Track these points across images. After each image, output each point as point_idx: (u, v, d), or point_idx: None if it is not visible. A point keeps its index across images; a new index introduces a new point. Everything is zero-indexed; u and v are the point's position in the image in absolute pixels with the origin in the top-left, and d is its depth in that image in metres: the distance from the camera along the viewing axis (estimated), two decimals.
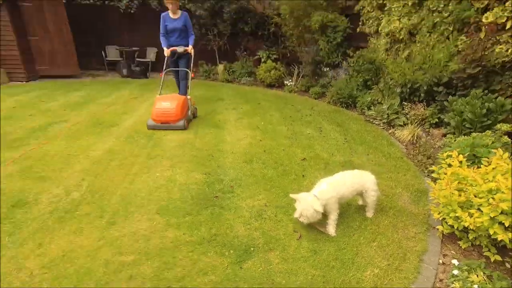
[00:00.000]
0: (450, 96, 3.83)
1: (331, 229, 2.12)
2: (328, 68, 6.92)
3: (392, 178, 2.95)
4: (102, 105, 5.25)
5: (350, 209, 2.45)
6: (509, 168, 1.86)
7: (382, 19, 5.69)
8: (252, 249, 1.95)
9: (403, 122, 4.44)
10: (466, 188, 1.95)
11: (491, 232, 1.74)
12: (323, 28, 6.57)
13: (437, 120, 4.10)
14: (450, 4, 4.16)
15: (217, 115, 4.87)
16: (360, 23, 6.48)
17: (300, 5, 6.68)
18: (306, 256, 1.92)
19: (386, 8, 5.57)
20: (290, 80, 7.40)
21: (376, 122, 4.75)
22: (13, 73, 7.35)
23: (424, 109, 4.26)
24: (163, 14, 4.71)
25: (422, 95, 4.34)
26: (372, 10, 6.10)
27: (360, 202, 2.46)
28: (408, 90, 4.49)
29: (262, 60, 8.20)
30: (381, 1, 5.67)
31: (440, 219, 2.08)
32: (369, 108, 5.11)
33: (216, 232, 2.10)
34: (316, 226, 2.17)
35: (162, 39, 4.76)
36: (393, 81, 4.81)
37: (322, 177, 2.30)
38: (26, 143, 3.52)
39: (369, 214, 2.34)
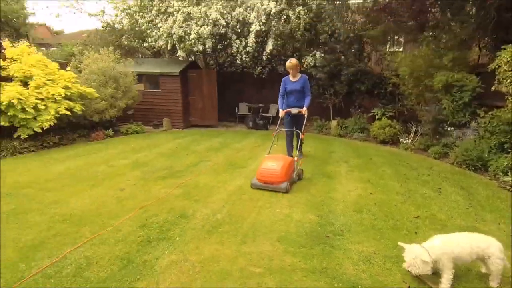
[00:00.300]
0: None
1: (443, 284, 2.12)
2: (452, 128, 6.48)
3: None
4: (234, 150, 6.47)
5: (469, 274, 2.35)
6: None
7: None
8: (359, 287, 2.18)
9: None
10: None
11: None
12: (447, 87, 6.37)
13: None
14: None
15: (329, 166, 5.28)
16: (496, 82, 6.00)
17: (421, 66, 6.76)
18: None
19: None
20: (406, 138, 7.22)
21: None
22: (174, 122, 9.85)
23: None
24: (284, 78, 5.35)
25: None
26: (510, 69, 5.63)
27: (483, 270, 2.33)
28: None
29: (377, 117, 8.33)
30: None
31: None
32: (505, 174, 4.53)
33: (326, 266, 2.42)
34: (427, 282, 2.21)
35: (280, 101, 5.32)
36: None
37: None
38: (184, 174, 4.77)
39: (493, 284, 2.20)
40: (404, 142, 7.12)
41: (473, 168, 5.25)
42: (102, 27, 10.65)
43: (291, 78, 5.28)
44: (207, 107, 10.08)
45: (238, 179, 4.54)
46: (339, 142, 7.76)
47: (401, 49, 11.05)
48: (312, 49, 9.28)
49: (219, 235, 2.91)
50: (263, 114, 10.41)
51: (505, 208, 3.58)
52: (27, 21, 16.93)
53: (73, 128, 7.70)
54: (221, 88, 10.08)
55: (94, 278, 2.25)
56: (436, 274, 2.20)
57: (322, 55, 8.86)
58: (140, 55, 12.11)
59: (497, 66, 5.95)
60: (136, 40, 10.34)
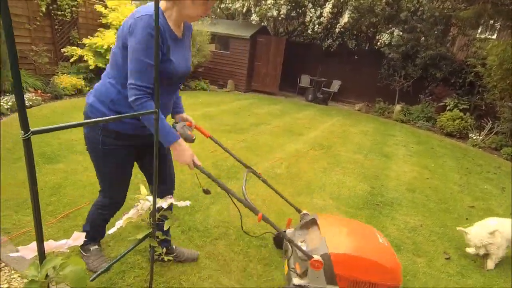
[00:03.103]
0: None
1: (490, 262, 2.24)
2: None
3: None
4: (293, 119, 6.73)
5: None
6: None
7: None
8: (402, 247, 2.42)
9: None
10: None
11: None
12: None
13: None
14: None
15: (386, 147, 5.30)
16: None
17: None
18: (452, 273, 2.20)
19: None
20: (478, 134, 6.73)
21: None
22: (237, 85, 10.32)
23: None
24: None
25: None
26: None
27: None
28: None
29: (448, 108, 7.80)
30: None
31: None
32: None
33: (371, 223, 2.68)
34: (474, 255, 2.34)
35: None
36: None
37: None
38: (246, 132, 5.22)
39: None
40: (474, 138, 6.67)
41: None
42: None
43: None
44: (270, 74, 10.31)
45: (296, 143, 4.85)
46: (400, 127, 7.54)
47: (494, 36, 9.80)
48: (390, 26, 8.75)
49: (278, 185, 3.30)
50: (325, 89, 10.34)
51: None
52: None
53: None
54: (286, 57, 10.16)
55: (182, 196, 2.82)
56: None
57: (401, 33, 8.33)
58: (214, 15, 12.58)
59: None
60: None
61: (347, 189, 3.35)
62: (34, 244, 0.81)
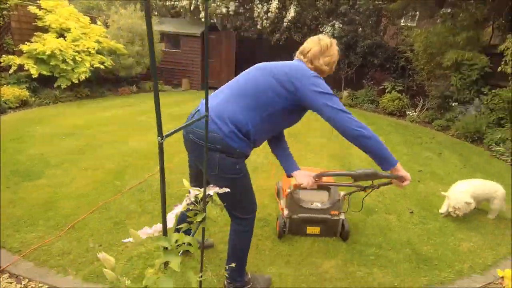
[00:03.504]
0: None
1: (454, 212, 2.78)
2: (456, 103, 7.07)
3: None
4: None
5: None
6: None
7: None
8: (376, 209, 2.92)
9: None
10: None
11: None
12: (457, 65, 6.85)
13: None
14: None
15: None
16: (503, 63, 6.47)
17: (435, 43, 7.17)
18: (415, 223, 2.76)
19: None
20: (413, 111, 7.82)
21: (504, 158, 4.87)
22: (192, 83, 10.30)
23: None
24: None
25: None
26: None
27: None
28: None
29: (387, 90, 8.85)
30: None
31: None
32: (497, 144, 5.22)
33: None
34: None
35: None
36: None
37: (438, 187, 3.06)
38: None
39: (491, 216, 2.89)
40: (411, 114, 7.73)
41: (470, 140, 5.93)
42: None
43: None
44: (224, 70, 10.48)
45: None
46: (349, 111, 8.33)
47: (414, 24, 11.26)
48: (331, 19, 9.52)
49: (264, 173, 3.61)
50: None
51: (494, 171, 4.30)
52: None
53: (99, 82, 8.15)
54: (237, 52, 10.41)
55: (175, 196, 2.96)
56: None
57: (341, 25, 9.13)
58: (156, 13, 12.19)
59: (505, 48, 6.41)
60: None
61: (325, 167, 3.80)
62: (145, 229, 1.00)
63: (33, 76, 6.27)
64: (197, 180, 1.70)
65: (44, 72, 6.46)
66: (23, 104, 5.98)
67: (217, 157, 1.48)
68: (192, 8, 9.42)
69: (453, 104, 7.14)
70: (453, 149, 5.24)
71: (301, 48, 1.67)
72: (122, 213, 2.59)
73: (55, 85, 6.71)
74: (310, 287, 1.96)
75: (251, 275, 1.92)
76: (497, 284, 2.16)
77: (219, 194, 1.16)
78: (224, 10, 8.93)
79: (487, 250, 2.47)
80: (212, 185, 1.47)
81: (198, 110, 1.61)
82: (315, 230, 2.43)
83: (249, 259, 2.04)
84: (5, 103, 5.64)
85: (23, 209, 2.51)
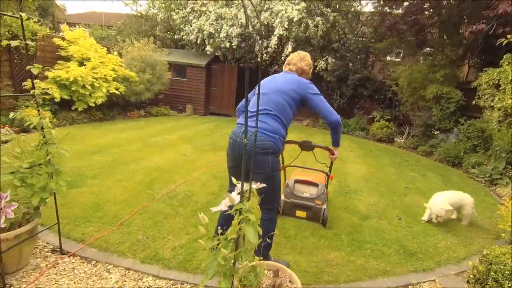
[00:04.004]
0: None
1: (435, 219, 3.37)
2: (438, 132, 7.87)
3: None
4: None
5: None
6: None
7: (496, 96, 6.55)
8: (370, 216, 3.47)
9: (506, 182, 5.14)
10: None
11: None
12: (437, 98, 7.73)
13: None
14: None
15: (340, 153, 6.56)
16: (476, 97, 7.37)
17: (418, 79, 8.10)
18: (403, 226, 3.31)
19: (501, 88, 6.45)
20: (400, 138, 8.59)
21: (478, 179, 5.54)
22: (196, 108, 10.98)
23: None
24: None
25: None
26: (488, 88, 7.00)
27: (453, 216, 3.61)
28: None
29: (376, 119, 9.68)
30: (497, 82, 6.59)
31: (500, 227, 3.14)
32: (473, 167, 5.91)
33: (348, 206, 3.71)
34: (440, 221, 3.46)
35: None
36: (499, 147, 5.60)
37: (421, 200, 3.65)
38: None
39: (464, 223, 3.48)
40: (398, 141, 8.49)
41: (451, 164, 6.63)
42: (135, 16, 11.64)
43: None
44: (225, 98, 11.25)
45: None
46: (343, 137, 8.96)
47: (399, 59, 12.44)
48: (324, 54, 10.53)
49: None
50: None
51: (469, 190, 4.93)
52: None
53: (109, 106, 8.73)
54: (238, 81, 11.25)
55: (199, 202, 3.46)
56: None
57: (333, 60, 10.12)
58: (162, 44, 13.14)
59: (478, 84, 7.34)
60: (168, 32, 11.39)
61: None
62: (226, 200, 1.55)
63: (56, 100, 6.83)
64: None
65: (65, 96, 7.04)
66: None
67: (270, 158, 2.07)
68: (199, 41, 10.32)
69: (435, 132, 7.93)
70: (435, 171, 5.90)
71: (286, 61, 2.47)
72: (159, 214, 3.08)
73: (73, 108, 7.28)
74: (320, 270, 2.46)
75: (273, 259, 2.42)
76: (468, 272, 2.69)
77: (261, 189, 1.68)
78: (228, 44, 9.84)
79: (461, 247, 3.02)
80: (258, 182, 2.00)
81: (249, 128, 2.18)
82: (302, 214, 3.16)
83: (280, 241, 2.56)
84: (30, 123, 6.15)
85: (77, 209, 2.98)
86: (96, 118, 7.96)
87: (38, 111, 2.24)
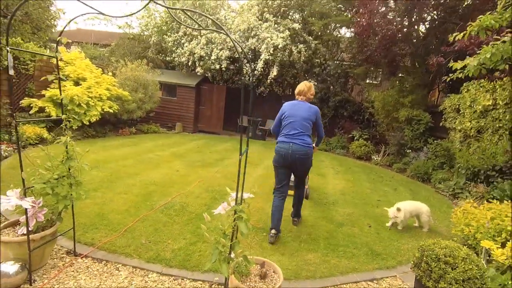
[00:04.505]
0: (499, 179, 5.21)
1: (400, 226, 3.89)
2: (410, 150, 8.60)
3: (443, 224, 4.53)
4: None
5: (410, 227, 4.20)
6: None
7: (457, 119, 7.36)
8: (345, 223, 3.96)
9: (466, 196, 5.78)
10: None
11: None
12: (408, 120, 8.52)
13: (492, 197, 5.38)
14: (508, 115, 5.75)
15: (320, 169, 7.13)
16: (443, 120, 8.19)
17: (390, 103, 8.91)
18: (372, 233, 3.81)
19: (460, 112, 7.27)
20: (377, 155, 9.27)
21: (443, 193, 6.18)
22: (185, 126, 11.41)
23: (483, 188, 5.60)
24: None
25: (482, 177, 5.72)
26: (451, 111, 7.83)
27: (416, 224, 4.17)
28: (470, 172, 5.93)
29: (355, 138, 10.39)
30: (457, 106, 7.43)
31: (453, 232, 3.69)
32: (439, 183, 6.57)
33: (326, 216, 4.19)
34: (397, 226, 3.99)
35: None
36: (460, 164, 6.30)
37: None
38: (216, 165, 6.41)
39: (424, 230, 4.03)
40: (375, 158, 9.16)
41: (421, 180, 7.28)
42: (128, 38, 12.18)
43: None
44: (214, 116, 11.76)
45: (258, 170, 6.26)
46: (325, 155, 9.68)
47: (378, 81, 13.44)
48: (307, 77, 11.32)
49: (260, 198, 4.59)
50: (261, 127, 12.23)
51: (435, 202, 5.54)
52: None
53: (102, 124, 9.04)
54: (226, 101, 11.82)
55: (194, 212, 3.86)
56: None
57: (316, 83, 10.89)
58: (154, 65, 13.66)
59: (444, 108, 8.18)
60: (160, 54, 11.94)
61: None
62: (224, 203, 2.00)
63: (52, 117, 7.12)
64: (290, 176, 3.59)
65: (61, 114, 7.33)
66: (41, 140, 6.75)
67: (311, 159, 3.51)
68: (190, 63, 10.91)
69: (408, 151, 8.66)
70: (406, 186, 6.51)
71: (297, 90, 3.60)
72: (159, 223, 3.46)
73: (68, 126, 7.54)
74: (299, 268, 2.90)
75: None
76: None
77: (305, 174, 3.73)
78: (217, 66, 10.46)
79: None
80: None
81: (293, 142, 3.36)
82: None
83: (256, 251, 2.99)
84: (26, 139, 6.41)
85: (84, 218, 3.32)
86: (89, 135, 8.25)
87: (65, 131, 2.60)
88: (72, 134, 7.51)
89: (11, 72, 2.01)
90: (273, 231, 3.34)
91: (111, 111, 8.24)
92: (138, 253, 2.83)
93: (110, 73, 9.10)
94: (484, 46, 3.53)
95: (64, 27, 2.61)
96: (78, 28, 22.84)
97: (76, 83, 8.05)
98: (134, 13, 2.26)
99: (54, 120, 4.90)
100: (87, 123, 7.72)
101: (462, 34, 3.57)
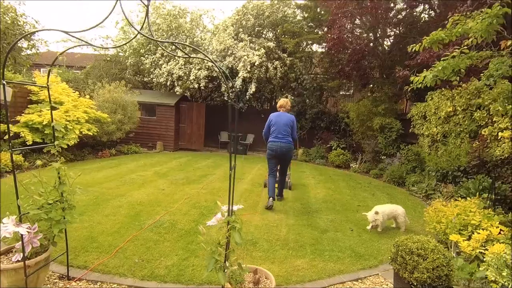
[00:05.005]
0: (464, 178, 5.69)
1: (379, 228, 4.16)
2: (385, 157, 9.10)
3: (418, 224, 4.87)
4: (227, 168, 8.29)
5: (389, 228, 4.48)
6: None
7: (424, 125, 7.94)
8: (328, 229, 4.18)
9: (438, 196, 6.22)
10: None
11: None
12: (381, 128, 9.05)
13: (460, 195, 5.83)
14: (466, 120, 6.32)
15: (302, 180, 7.39)
16: (412, 126, 8.78)
17: (364, 112, 9.44)
18: (354, 236, 4.05)
19: (427, 118, 7.86)
20: (355, 163, 9.70)
21: (417, 195, 6.60)
22: (166, 145, 11.40)
23: (452, 188, 6.06)
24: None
25: (450, 178, 6.20)
26: (418, 119, 8.43)
27: (394, 225, 4.47)
28: (440, 174, 6.40)
29: (333, 148, 10.82)
30: (424, 114, 8.02)
31: (427, 230, 4.00)
32: (413, 186, 7.01)
33: (310, 223, 4.39)
34: (376, 229, 4.25)
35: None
36: (430, 168, 6.78)
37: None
38: (200, 182, 6.50)
39: (401, 230, 4.32)
40: (353, 166, 9.58)
41: (396, 184, 7.72)
42: (104, 60, 12.17)
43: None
44: (194, 134, 11.85)
45: (241, 185, 6.41)
46: (305, 165, 10.00)
47: (351, 92, 14.13)
48: (284, 91, 11.75)
49: (246, 211, 4.74)
50: (242, 142, 12.44)
51: (410, 204, 5.91)
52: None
53: (80, 147, 8.90)
54: (205, 118, 11.98)
55: (184, 229, 3.95)
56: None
57: (292, 97, 11.33)
58: (130, 85, 13.64)
59: (411, 116, 8.78)
60: (137, 75, 12.00)
61: (289, 207, 5.07)
62: (217, 215, 2.16)
63: (28, 143, 6.96)
64: (277, 165, 5.23)
65: (37, 139, 7.20)
66: (17, 167, 6.56)
67: (292, 152, 5.17)
68: (168, 83, 11.04)
69: (383, 157, 9.16)
70: (383, 191, 6.89)
71: (278, 104, 5.35)
72: (149, 241, 3.52)
73: (44, 150, 7.41)
74: (289, 274, 3.06)
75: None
76: None
77: (287, 163, 5.42)
78: (196, 85, 10.67)
79: None
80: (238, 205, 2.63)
81: (280, 141, 4.97)
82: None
83: (246, 261, 3.13)
84: (4, 167, 6.23)
85: (74, 242, 3.33)
86: (67, 158, 8.09)
87: (57, 157, 2.67)
88: (49, 159, 7.35)
89: (8, 100, 2.10)
90: (271, 199, 4.94)
91: (90, 133, 8.17)
92: (132, 272, 2.89)
93: (87, 96, 9.04)
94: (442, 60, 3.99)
95: (53, 62, 2.71)
96: (49, 50, 22.36)
97: (53, 107, 7.93)
98: (123, 44, 2.44)
99: (40, 147, 4.83)
100: (65, 147, 7.59)
101: (418, 46, 4.01)
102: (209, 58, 2.32)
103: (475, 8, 4.95)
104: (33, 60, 11.71)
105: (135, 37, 2.30)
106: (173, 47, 10.45)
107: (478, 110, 5.99)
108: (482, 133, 5.65)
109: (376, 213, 4.18)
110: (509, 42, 3.54)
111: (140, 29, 2.34)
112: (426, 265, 2.13)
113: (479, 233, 3.06)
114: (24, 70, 11.91)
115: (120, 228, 3.79)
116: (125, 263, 3.02)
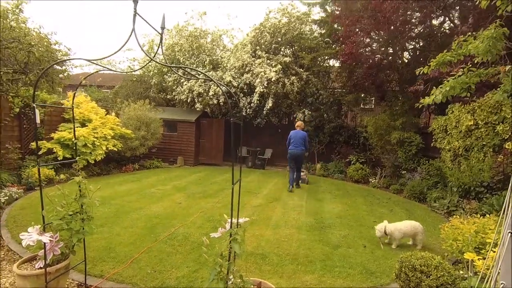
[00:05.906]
0: (487, 194, 5.43)
1: (393, 244, 4.10)
2: (405, 171, 8.84)
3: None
4: (245, 182, 8.42)
5: (404, 245, 4.36)
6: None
7: (446, 139, 7.69)
8: (340, 246, 4.14)
9: (460, 213, 5.94)
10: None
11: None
12: (401, 142, 8.85)
13: (483, 212, 5.55)
14: (489, 134, 6.08)
15: (318, 195, 7.34)
16: (433, 140, 8.51)
17: (382, 126, 9.30)
18: (367, 252, 3.98)
19: (448, 132, 7.62)
20: (374, 178, 9.49)
21: (438, 212, 6.34)
22: (186, 160, 11.75)
23: (475, 204, 5.78)
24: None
25: (473, 194, 5.93)
26: (440, 132, 8.18)
27: (410, 243, 4.35)
28: (462, 190, 6.14)
29: (352, 162, 10.66)
30: (445, 127, 7.79)
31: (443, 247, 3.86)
32: (434, 202, 6.75)
33: (322, 238, 4.37)
34: (383, 243, 4.19)
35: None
36: (452, 183, 6.52)
37: None
38: (216, 196, 6.65)
39: (418, 247, 4.20)
40: (372, 181, 9.36)
41: (417, 199, 7.46)
42: (131, 80, 12.93)
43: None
44: (214, 149, 12.14)
45: (257, 199, 6.49)
46: (323, 180, 9.91)
47: (371, 106, 13.95)
48: (301, 107, 11.84)
49: (258, 226, 4.80)
50: (260, 156, 12.55)
51: (430, 221, 5.70)
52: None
53: (106, 162, 9.41)
54: (225, 133, 12.27)
55: (196, 242, 4.07)
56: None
57: (310, 112, 11.39)
58: (156, 103, 14.32)
59: (433, 129, 8.54)
60: (161, 93, 12.61)
61: (302, 222, 5.05)
62: (221, 229, 2.27)
63: (59, 158, 7.49)
64: (295, 163, 7.91)
65: (67, 155, 7.73)
66: (49, 181, 7.06)
67: (304, 156, 7.88)
68: (189, 100, 11.50)
69: (403, 172, 8.90)
70: (402, 206, 6.69)
71: (296, 125, 8.16)
72: (163, 253, 3.67)
73: (73, 165, 7.91)
74: None
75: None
76: None
77: (301, 163, 8.07)
78: (215, 101, 11.03)
79: None
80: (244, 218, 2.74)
81: (296, 149, 7.75)
82: None
83: (255, 274, 3.18)
84: (35, 181, 6.73)
85: (93, 252, 3.55)
86: (94, 173, 8.58)
87: (78, 172, 2.92)
88: (78, 173, 7.85)
89: (38, 121, 2.38)
90: (291, 186, 7.68)
91: (115, 149, 8.64)
92: (144, 282, 3.03)
93: (113, 113, 9.61)
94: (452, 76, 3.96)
95: (77, 87, 3.01)
96: (84, 72, 24.09)
97: (82, 124, 8.53)
98: (138, 69, 2.68)
99: (66, 162, 5.21)
100: (93, 162, 8.08)
101: (426, 68, 4.01)
102: (211, 79, 2.50)
103: (474, 29, 4.88)
104: (65, 83, 12.66)
105: (147, 64, 2.54)
106: (186, 69, 10.94)
107: (501, 124, 5.76)
108: (506, 147, 5.41)
109: (380, 232, 4.13)
110: (507, 68, 3.49)
111: (154, 56, 2.58)
112: (429, 282, 2.10)
113: (494, 252, 2.93)
114: (60, 90, 12.88)
115: (136, 240, 3.99)
116: (139, 273, 3.17)
